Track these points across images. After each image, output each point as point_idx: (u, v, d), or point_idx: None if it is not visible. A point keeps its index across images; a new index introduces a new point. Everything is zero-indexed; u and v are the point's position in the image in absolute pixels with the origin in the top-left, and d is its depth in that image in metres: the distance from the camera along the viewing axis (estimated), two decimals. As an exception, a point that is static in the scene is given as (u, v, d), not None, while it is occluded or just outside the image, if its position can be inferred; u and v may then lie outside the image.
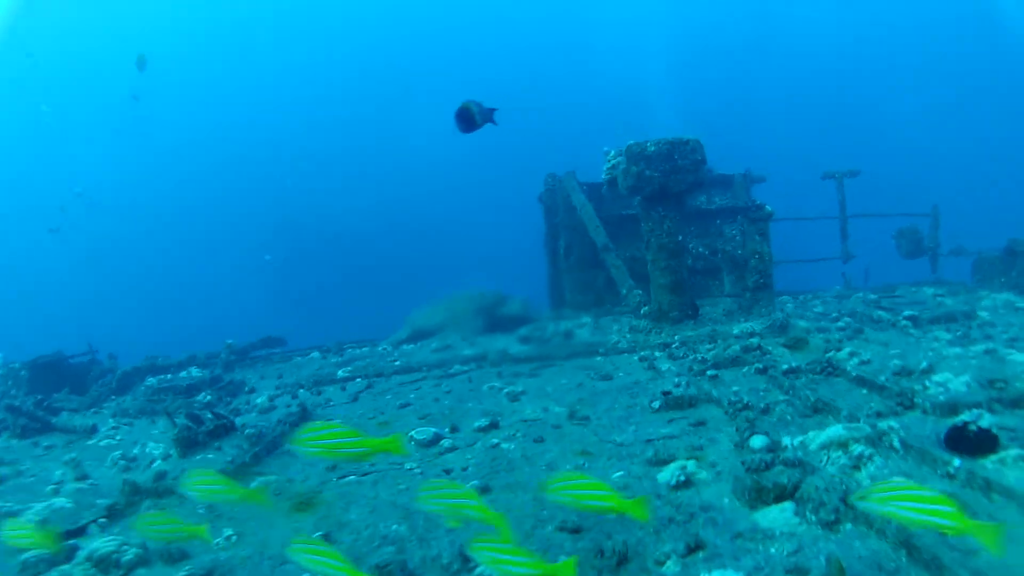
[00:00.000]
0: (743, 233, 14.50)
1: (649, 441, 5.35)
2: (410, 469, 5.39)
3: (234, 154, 59.14)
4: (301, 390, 9.98)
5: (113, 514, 5.13)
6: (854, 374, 6.57)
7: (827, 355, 7.68)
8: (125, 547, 4.12)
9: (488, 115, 6.89)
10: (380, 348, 13.01)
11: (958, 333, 8.54)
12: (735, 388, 6.52)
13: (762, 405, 5.82)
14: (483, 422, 6.20)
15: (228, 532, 4.47)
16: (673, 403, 6.18)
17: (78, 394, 12.27)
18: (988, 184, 44.90)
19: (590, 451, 5.29)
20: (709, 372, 7.25)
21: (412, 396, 8.23)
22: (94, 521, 4.90)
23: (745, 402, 5.77)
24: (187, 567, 4.05)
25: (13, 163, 54.79)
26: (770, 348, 8.28)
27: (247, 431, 6.52)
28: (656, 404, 6.18)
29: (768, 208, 10.30)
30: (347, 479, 5.39)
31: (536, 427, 6.07)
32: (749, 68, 61.59)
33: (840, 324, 10.02)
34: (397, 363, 10.40)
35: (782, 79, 60.15)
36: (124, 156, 56.81)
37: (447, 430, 6.25)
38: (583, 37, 65.93)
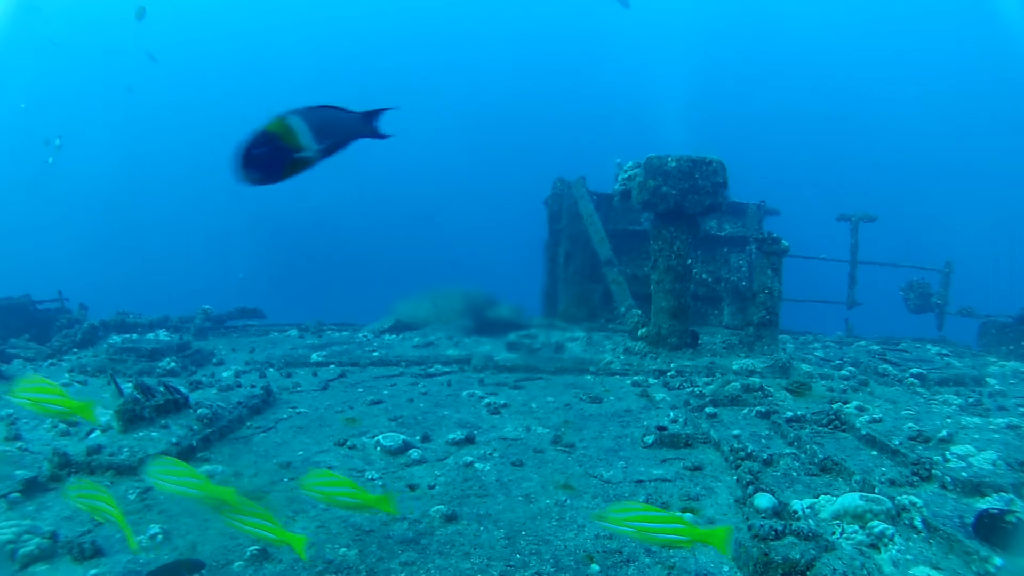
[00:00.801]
0: (750, 264, 14.07)
1: (640, 483, 4.81)
2: (372, 480, 4.82)
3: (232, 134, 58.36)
4: (271, 369, 9.42)
5: (31, 488, 4.55)
6: (864, 432, 6.04)
7: (833, 406, 7.17)
8: (27, 536, 3.53)
9: (353, 127, 3.41)
10: (361, 335, 12.43)
11: (969, 400, 8.03)
12: (735, 431, 5.98)
13: (765, 455, 5.28)
14: (458, 435, 5.64)
15: (154, 529, 3.90)
16: (668, 440, 5.64)
17: (39, 342, 11.65)
18: (1004, 247, 44.50)
19: (573, 485, 4.74)
20: (708, 410, 6.71)
21: (386, 393, 7.66)
22: (4, 496, 4.31)
23: (748, 450, 5.23)
24: (96, 569, 3.47)
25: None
26: (771, 390, 7.76)
27: (200, 411, 5.93)
28: (649, 439, 5.64)
29: (784, 243, 9.78)
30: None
31: (516, 448, 5.51)
32: (765, 97, 61.28)
33: (844, 373, 9.52)
34: (375, 354, 9.82)
35: (800, 111, 59.72)
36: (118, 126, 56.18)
37: (418, 438, 5.68)
38: (601, 50, 65.59)
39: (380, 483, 4.74)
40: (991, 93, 53.80)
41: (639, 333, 9.70)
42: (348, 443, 5.59)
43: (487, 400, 6.98)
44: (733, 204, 14.49)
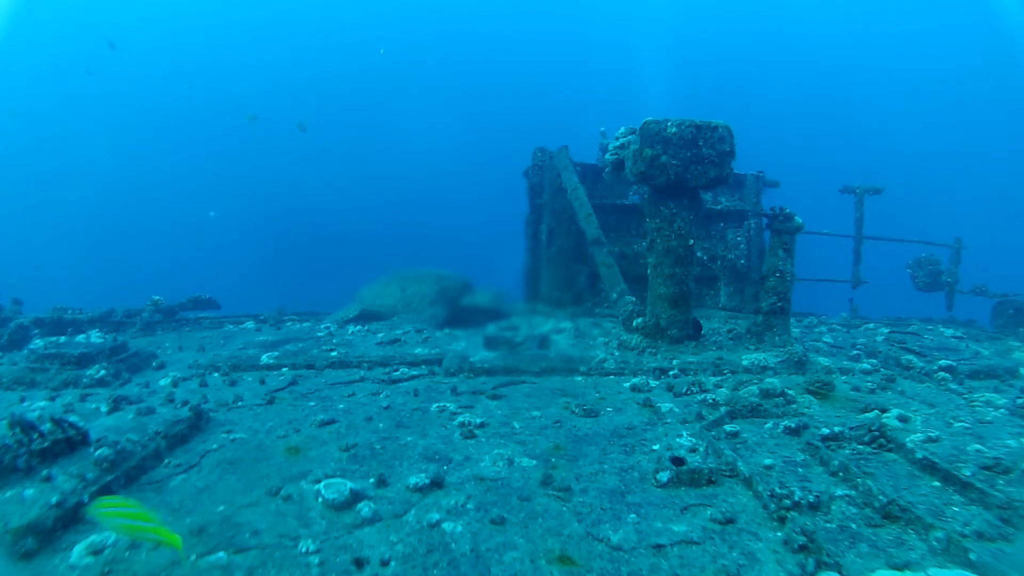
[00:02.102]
0: (749, 241, 12.95)
1: (659, 548, 3.65)
2: (306, 552, 3.63)
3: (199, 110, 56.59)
4: (215, 374, 8.19)
5: None
6: (919, 455, 4.94)
7: (868, 415, 6.08)
8: None
9: None
10: (323, 325, 11.20)
11: (1018, 401, 6.97)
12: (767, 460, 4.85)
13: (811, 497, 4.15)
14: (423, 477, 4.44)
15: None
16: (687, 478, 4.49)
17: (-40, 343, 10.32)
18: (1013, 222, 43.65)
19: (572, 557, 3.57)
20: (727, 426, 5.57)
21: (341, 408, 6.45)
22: None
23: (791, 495, 4.09)
24: None
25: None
26: (792, 393, 6.65)
27: (99, 451, 4.68)
28: (663, 476, 4.48)
29: (798, 219, 8.64)
30: (213, 558, 3.61)
31: (496, 493, 4.33)
32: (756, 61, 59.84)
33: (865, 366, 8.45)
34: (333, 354, 8.59)
35: (796, 75, 58.33)
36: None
37: (372, 481, 4.49)
38: (581, 13, 63.80)
39: (317, 560, 3.55)
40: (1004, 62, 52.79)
41: (634, 324, 8.54)
42: (283, 491, 4.38)
43: (460, 418, 5.79)
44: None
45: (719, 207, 13.05)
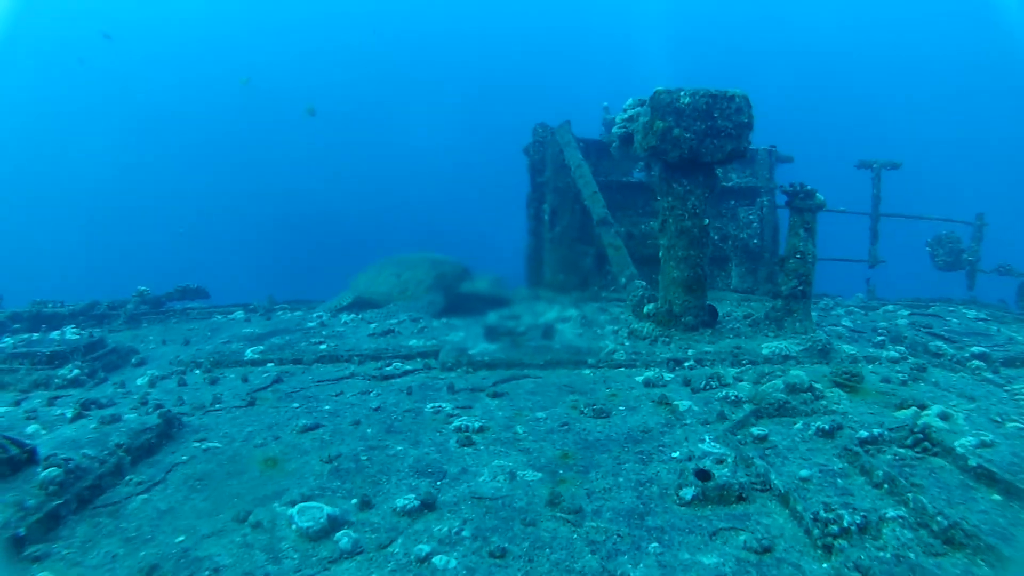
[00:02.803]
0: (762, 219, 12.34)
1: (689, 588, 3.10)
2: (271, 598, 3.08)
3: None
4: (197, 371, 7.65)
5: None
6: (973, 462, 4.37)
7: (906, 412, 5.51)
8: None
9: None
10: (315, 315, 10.62)
11: (1065, 392, 6.40)
12: (803, 471, 4.28)
13: (858, 518, 3.59)
14: (412, 497, 3.88)
15: None
16: (714, 495, 3.92)
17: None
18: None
19: (587, 601, 3.03)
20: (753, 429, 5.01)
21: (327, 409, 5.89)
22: None
23: (837, 519, 3.53)
24: None
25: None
26: (820, 387, 6.07)
27: (46, 472, 4.12)
28: (687, 493, 3.91)
29: (820, 197, 8.03)
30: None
31: (496, 516, 3.77)
32: (761, 31, 58.59)
33: (892, 353, 7.88)
34: (322, 347, 8.03)
35: (810, 41, 56.93)
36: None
37: (354, 503, 3.93)
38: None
39: (283, 608, 3.00)
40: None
41: (645, 311, 7.96)
42: (253, 516, 3.82)
43: (457, 422, 5.22)
44: (741, 150, 12.72)
45: (730, 183, 12.42)
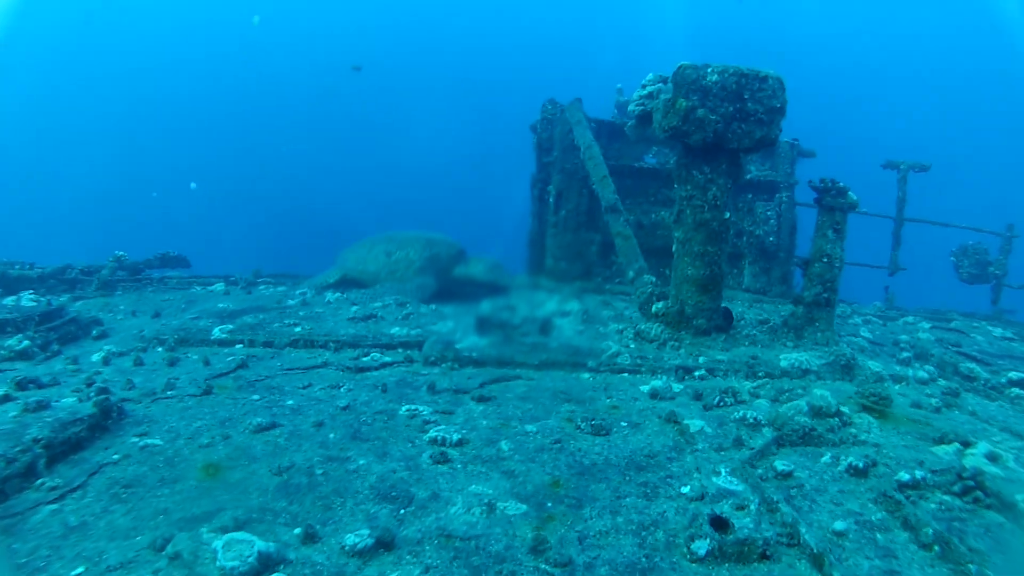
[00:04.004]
0: (779, 216, 11.62)
1: None
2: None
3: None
4: (159, 349, 6.97)
5: None
6: (1037, 520, 3.69)
7: (946, 448, 4.83)
8: None
9: None
10: (298, 292, 9.92)
11: None
12: (837, 524, 3.59)
13: (910, 591, 2.90)
14: (365, 533, 3.18)
15: None
16: (733, 551, 3.23)
17: None
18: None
19: None
20: (776, 463, 4.30)
21: (289, 405, 5.19)
22: None
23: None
24: None
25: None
26: (846, 411, 5.38)
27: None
28: (701, 548, 3.22)
29: (852, 196, 7.30)
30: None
31: (465, 566, 3.06)
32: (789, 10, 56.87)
33: (920, 374, 7.20)
34: (297, 329, 7.32)
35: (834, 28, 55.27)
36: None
37: (297, 535, 3.24)
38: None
39: None
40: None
41: (654, 310, 7.24)
42: (172, 545, 3.13)
43: (434, 431, 4.51)
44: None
45: (749, 176, 11.66)
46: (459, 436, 4.43)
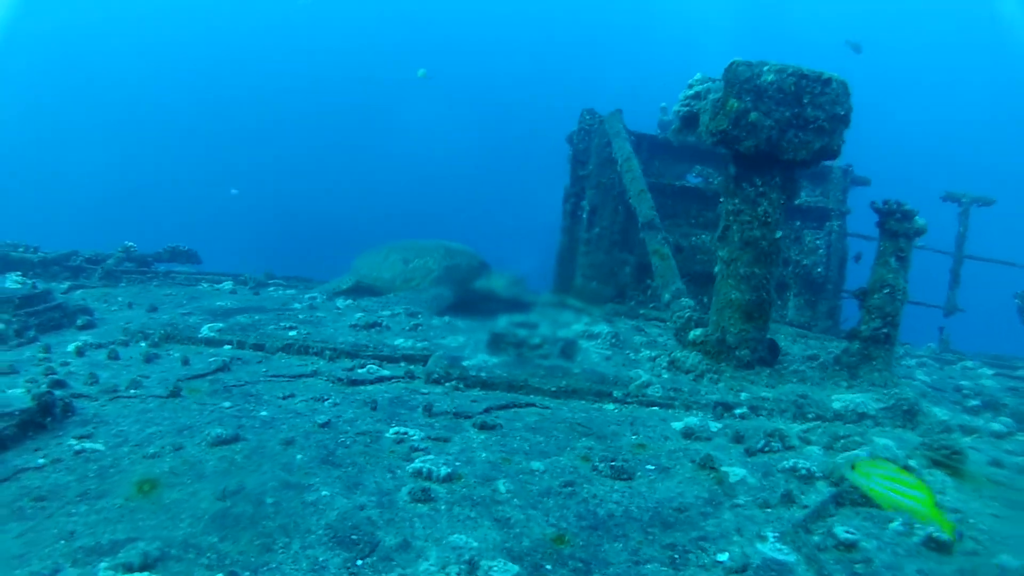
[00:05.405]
0: (829, 247, 10.76)
1: None
2: None
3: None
4: (142, 344, 6.35)
5: None
6: None
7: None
8: None
9: None
10: (308, 296, 9.29)
11: None
12: (923, 619, 2.76)
13: None
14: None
15: None
16: (789, 653, 2.42)
17: None
18: None
19: None
20: (838, 530, 3.46)
21: (262, 416, 4.48)
22: None
23: None
24: None
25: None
26: (915, 465, 4.53)
27: None
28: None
29: (920, 220, 6.46)
30: None
31: (428, 648, 2.31)
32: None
33: (996, 427, 6.28)
34: (292, 333, 6.63)
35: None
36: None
37: (218, 590, 2.51)
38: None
39: None
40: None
41: (691, 337, 6.43)
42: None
43: (419, 461, 3.75)
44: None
45: (798, 201, 10.82)
46: (449, 470, 3.67)
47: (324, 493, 3.35)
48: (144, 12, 56.49)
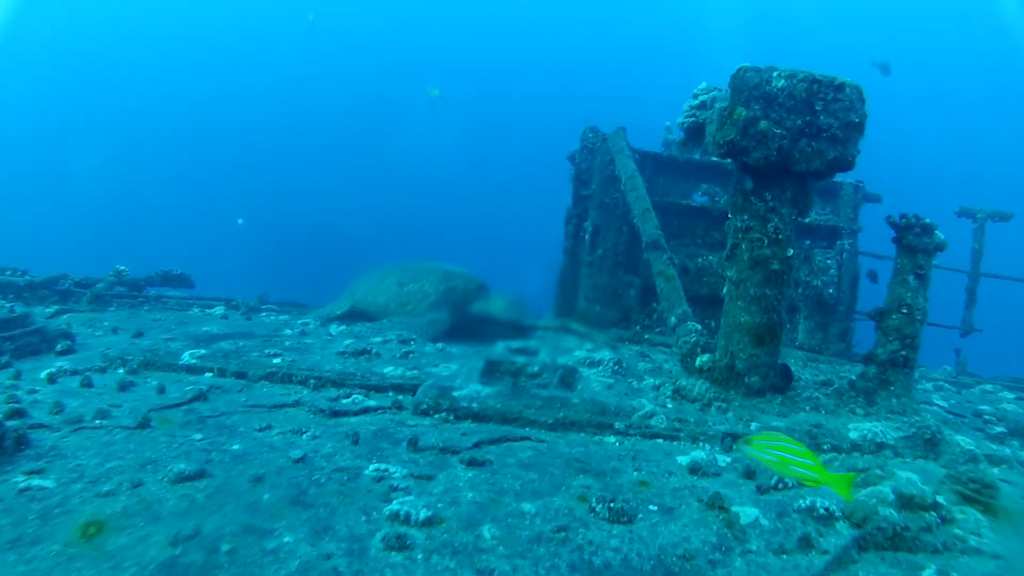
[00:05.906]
0: (840, 266, 10.40)
1: None
2: None
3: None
4: (119, 371, 6.03)
5: None
6: None
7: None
8: None
9: None
10: (301, 321, 8.97)
11: None
12: None
13: None
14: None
15: None
16: None
17: None
18: None
19: None
20: (859, 574, 3.11)
21: (233, 450, 4.14)
22: None
23: None
24: None
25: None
26: (944, 504, 4.15)
27: None
28: None
29: (940, 235, 6.11)
30: None
31: None
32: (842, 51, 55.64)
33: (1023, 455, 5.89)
34: (276, 361, 6.28)
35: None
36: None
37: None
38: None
39: None
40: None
41: (698, 363, 6.07)
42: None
43: (397, 502, 3.40)
44: (821, 183, 10.82)
45: (807, 220, 10.48)
46: (430, 512, 3.32)
47: (286, 539, 3.01)
48: (146, 34, 56.92)
